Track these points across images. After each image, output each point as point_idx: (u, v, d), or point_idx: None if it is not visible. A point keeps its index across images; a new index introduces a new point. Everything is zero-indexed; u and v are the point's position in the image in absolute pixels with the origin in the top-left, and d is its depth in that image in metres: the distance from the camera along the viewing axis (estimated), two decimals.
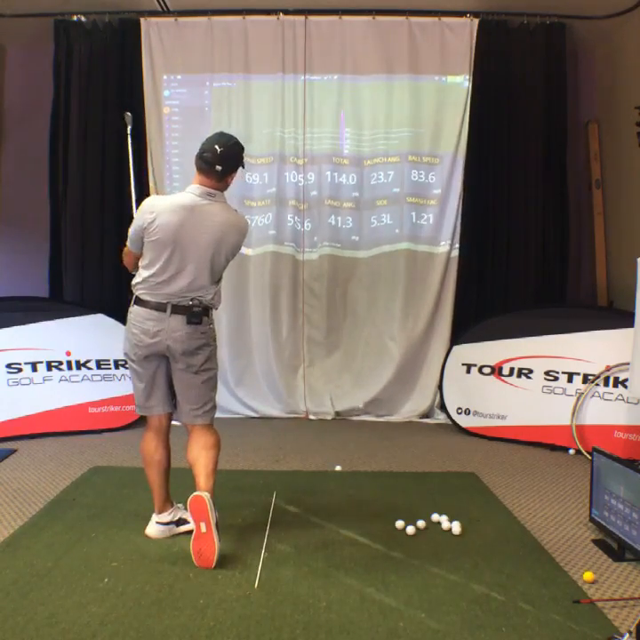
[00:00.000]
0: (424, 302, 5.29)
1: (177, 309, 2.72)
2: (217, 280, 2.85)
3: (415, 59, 5.16)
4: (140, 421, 4.62)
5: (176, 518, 2.91)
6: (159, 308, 2.73)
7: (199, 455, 2.76)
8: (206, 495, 2.55)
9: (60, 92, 5.22)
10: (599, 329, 4.44)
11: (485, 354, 4.84)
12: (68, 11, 5.17)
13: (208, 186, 2.75)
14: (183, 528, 2.90)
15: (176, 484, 2.93)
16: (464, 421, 4.88)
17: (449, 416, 4.97)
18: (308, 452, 4.35)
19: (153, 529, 2.88)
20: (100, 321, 4.81)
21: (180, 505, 2.96)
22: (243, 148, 2.81)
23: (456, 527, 2.98)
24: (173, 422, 2.93)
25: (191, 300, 2.73)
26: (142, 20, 5.16)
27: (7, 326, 4.59)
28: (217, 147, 2.69)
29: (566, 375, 4.54)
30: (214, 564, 2.55)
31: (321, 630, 2.14)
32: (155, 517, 2.90)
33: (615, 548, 2.80)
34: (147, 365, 2.80)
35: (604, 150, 5.48)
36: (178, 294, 2.74)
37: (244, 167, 2.86)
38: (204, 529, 2.53)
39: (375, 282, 5.32)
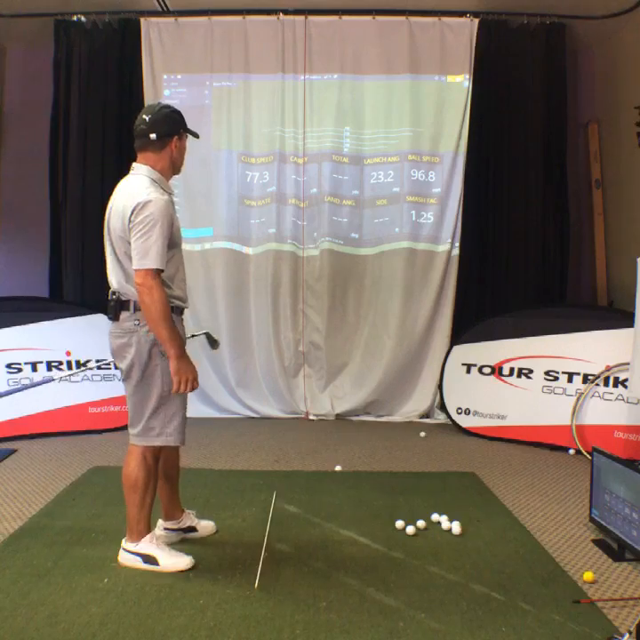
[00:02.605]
0: (424, 302, 5.29)
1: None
2: (126, 267, 2.51)
3: (415, 58, 5.16)
4: None
5: (185, 526, 2.83)
6: None
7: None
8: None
9: (59, 91, 5.22)
10: (599, 329, 4.44)
11: (485, 354, 4.84)
12: (67, 11, 5.17)
13: (141, 162, 2.55)
14: (191, 536, 2.83)
15: (181, 487, 2.91)
16: (464, 421, 4.88)
17: (449, 416, 4.97)
18: (308, 452, 4.35)
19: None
20: (99, 321, 4.79)
21: (191, 512, 2.89)
22: (177, 111, 2.58)
23: (456, 527, 2.97)
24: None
25: (113, 291, 2.55)
26: (142, 19, 5.16)
27: (7, 326, 4.60)
28: (145, 116, 2.51)
29: (566, 375, 4.54)
30: None
31: (321, 630, 2.14)
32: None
33: (615, 548, 2.80)
34: None
35: (604, 150, 5.48)
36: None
37: (197, 136, 2.67)
38: None
39: (376, 281, 5.32)
